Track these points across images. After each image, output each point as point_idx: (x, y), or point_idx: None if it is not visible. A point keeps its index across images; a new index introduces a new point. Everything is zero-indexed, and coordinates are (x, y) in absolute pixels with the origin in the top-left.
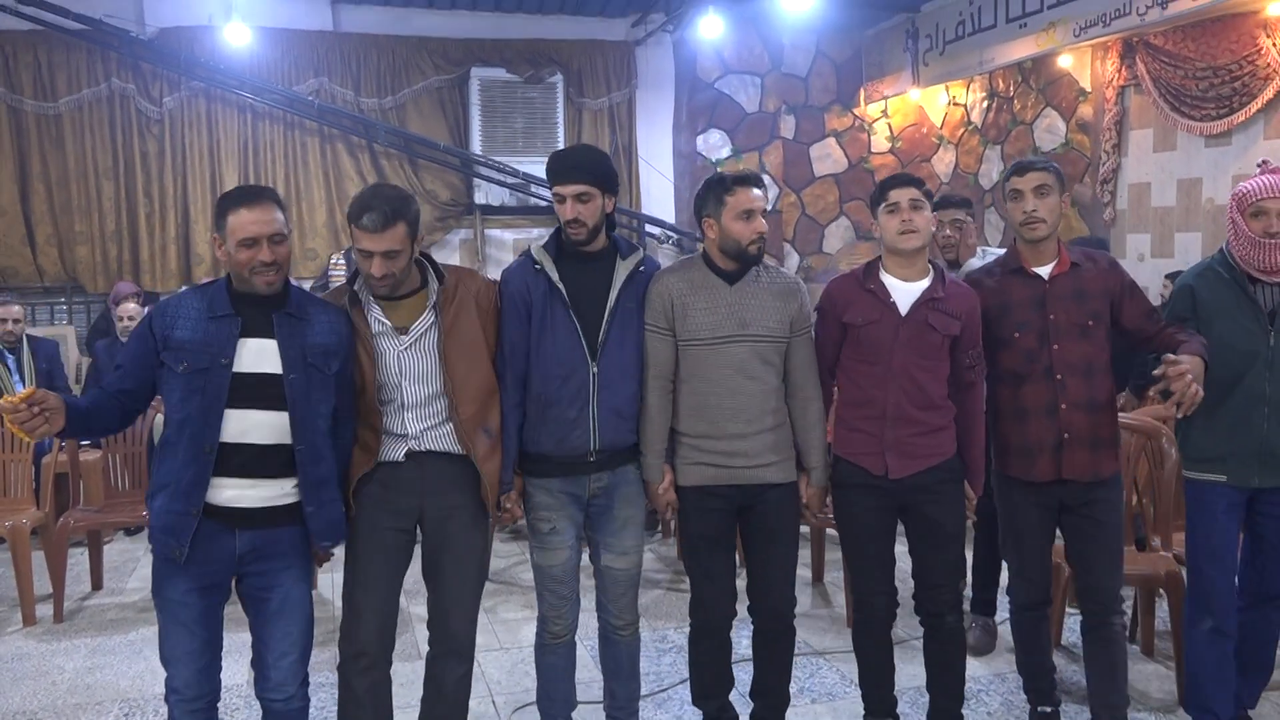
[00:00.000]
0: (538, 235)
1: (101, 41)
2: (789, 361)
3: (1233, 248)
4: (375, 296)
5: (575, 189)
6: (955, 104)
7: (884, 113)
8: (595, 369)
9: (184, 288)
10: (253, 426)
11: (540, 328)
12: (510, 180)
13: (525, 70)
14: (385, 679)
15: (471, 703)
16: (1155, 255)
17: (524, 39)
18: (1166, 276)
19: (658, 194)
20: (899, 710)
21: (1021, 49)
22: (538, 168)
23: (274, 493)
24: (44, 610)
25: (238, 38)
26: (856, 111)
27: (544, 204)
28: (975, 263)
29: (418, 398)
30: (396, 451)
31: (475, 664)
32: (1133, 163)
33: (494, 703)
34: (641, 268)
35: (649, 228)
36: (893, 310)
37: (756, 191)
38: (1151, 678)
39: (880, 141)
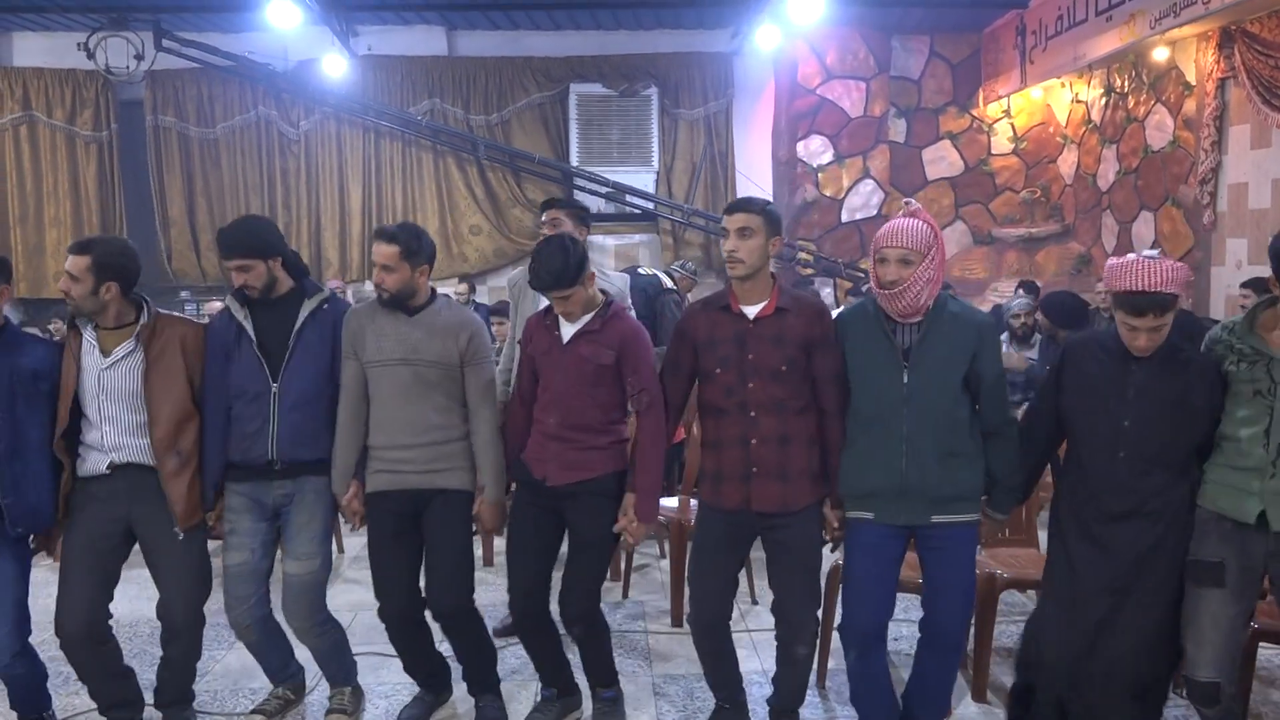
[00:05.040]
0: (638, 240)
1: (249, 75)
2: (465, 389)
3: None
4: (92, 323)
5: (234, 263)
6: (1078, 101)
7: (1006, 112)
8: (276, 389)
9: None
10: None
11: (229, 362)
12: (602, 190)
13: (620, 84)
14: (99, 650)
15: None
16: (1252, 263)
17: (622, 54)
18: (1243, 286)
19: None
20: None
21: (1108, 43)
22: (631, 177)
23: None
24: None
25: (335, 68)
26: (975, 112)
27: (637, 212)
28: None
29: (115, 413)
30: (99, 464)
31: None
32: (1233, 161)
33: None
34: (325, 306)
35: None
36: (558, 341)
37: (377, 247)
38: None
39: (1001, 143)
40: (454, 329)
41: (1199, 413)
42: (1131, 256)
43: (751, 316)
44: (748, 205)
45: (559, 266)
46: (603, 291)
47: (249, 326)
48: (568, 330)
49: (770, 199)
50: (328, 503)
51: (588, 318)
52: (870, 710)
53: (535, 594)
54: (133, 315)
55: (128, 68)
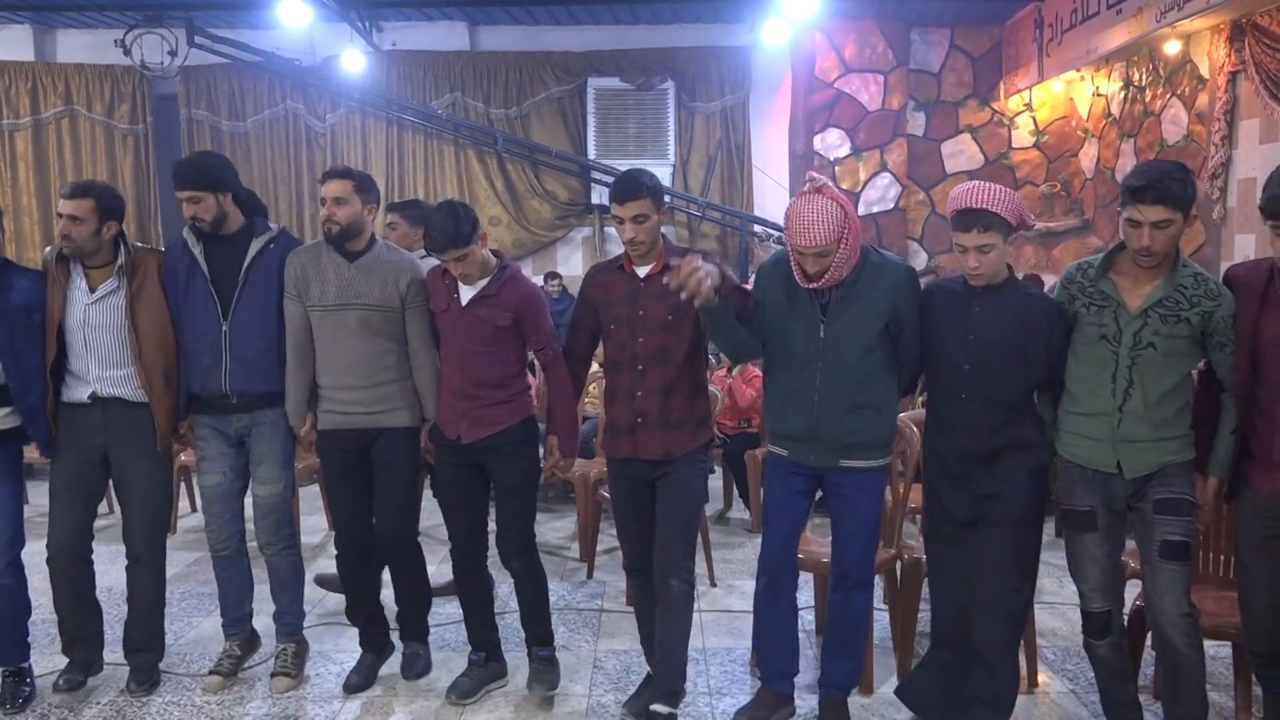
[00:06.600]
0: None
1: (278, 71)
2: (407, 331)
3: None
4: (79, 261)
5: (184, 194)
6: (1099, 95)
7: (1027, 105)
8: (226, 327)
9: None
10: None
11: (184, 294)
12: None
13: (637, 78)
14: (80, 571)
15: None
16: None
17: (639, 49)
18: None
19: (771, 190)
20: None
21: (1118, 36)
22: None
23: None
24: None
25: (355, 64)
26: (995, 106)
27: None
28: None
29: (100, 345)
30: (81, 393)
31: None
32: (1243, 155)
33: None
34: (272, 245)
35: (755, 226)
36: (456, 304)
37: (331, 184)
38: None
39: (1022, 136)
40: (393, 272)
41: (1036, 358)
42: None
43: (642, 275)
44: (636, 192)
45: (451, 228)
46: (494, 253)
47: (201, 261)
48: (466, 294)
49: (786, 186)
50: (284, 432)
51: (484, 281)
52: (769, 653)
53: (472, 539)
54: (114, 254)
55: (162, 63)
